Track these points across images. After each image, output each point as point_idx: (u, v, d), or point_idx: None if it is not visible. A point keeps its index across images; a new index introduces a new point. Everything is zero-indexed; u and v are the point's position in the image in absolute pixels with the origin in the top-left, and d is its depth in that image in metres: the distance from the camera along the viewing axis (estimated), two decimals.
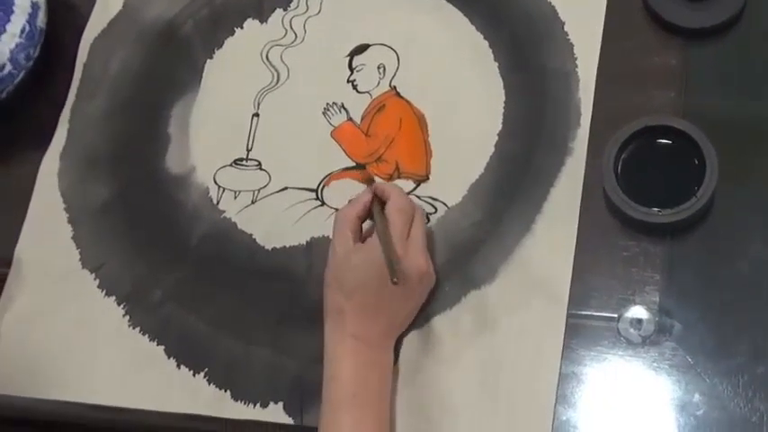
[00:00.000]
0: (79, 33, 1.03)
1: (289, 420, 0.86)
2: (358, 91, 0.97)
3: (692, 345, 0.82)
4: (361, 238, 0.85)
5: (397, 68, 0.97)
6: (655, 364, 0.82)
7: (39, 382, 0.90)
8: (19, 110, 1.00)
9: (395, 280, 0.78)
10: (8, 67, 0.96)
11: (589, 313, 0.84)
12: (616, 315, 0.84)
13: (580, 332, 0.84)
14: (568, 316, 0.84)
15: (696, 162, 0.84)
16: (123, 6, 1.04)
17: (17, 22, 0.96)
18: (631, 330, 0.83)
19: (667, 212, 0.83)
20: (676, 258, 0.84)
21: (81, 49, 1.03)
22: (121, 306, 0.92)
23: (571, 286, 0.85)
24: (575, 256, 0.86)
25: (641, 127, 0.85)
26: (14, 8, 0.96)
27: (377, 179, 0.92)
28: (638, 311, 0.83)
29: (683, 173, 0.84)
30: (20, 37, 0.96)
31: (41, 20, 0.98)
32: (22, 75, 0.97)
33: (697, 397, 0.80)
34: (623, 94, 0.91)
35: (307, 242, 0.91)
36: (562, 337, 0.84)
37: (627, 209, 0.83)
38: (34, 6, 0.98)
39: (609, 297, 0.84)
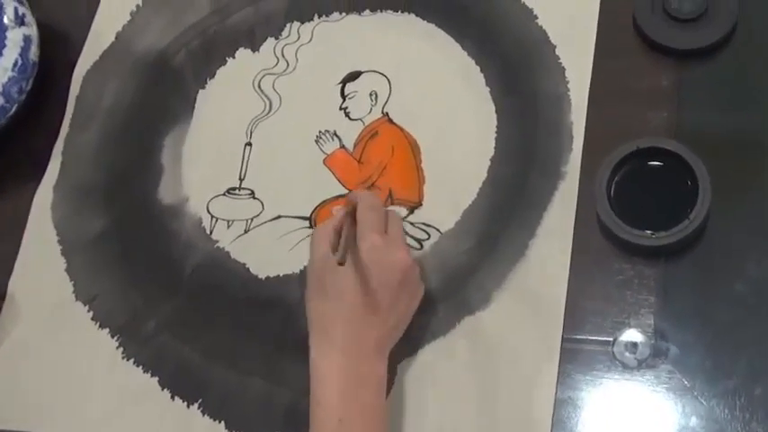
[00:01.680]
0: (72, 66, 1.04)
1: None
2: (350, 118, 0.97)
3: (689, 367, 0.81)
4: None
5: (389, 95, 0.97)
6: (651, 388, 0.81)
7: (32, 416, 0.90)
8: (12, 143, 1.00)
9: (340, 261, 0.75)
10: (1, 101, 0.96)
11: (584, 337, 0.84)
12: (611, 339, 0.83)
13: (575, 357, 0.83)
14: (563, 340, 0.84)
15: (689, 183, 0.83)
16: (116, 38, 1.04)
17: (9, 56, 0.97)
18: (627, 354, 0.82)
19: (661, 235, 0.82)
20: (671, 280, 0.84)
21: (74, 81, 1.03)
22: (115, 338, 0.92)
23: (565, 310, 0.85)
24: (569, 280, 0.85)
25: (633, 150, 0.84)
26: (6, 42, 0.97)
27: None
28: (633, 335, 0.83)
29: (676, 195, 0.84)
30: (12, 71, 0.97)
31: (34, 53, 0.98)
32: (15, 108, 0.98)
33: (694, 420, 0.80)
34: (615, 116, 0.90)
35: (300, 270, 0.91)
36: (557, 361, 0.83)
37: (620, 232, 0.83)
38: (26, 40, 0.98)
39: (603, 321, 0.84)
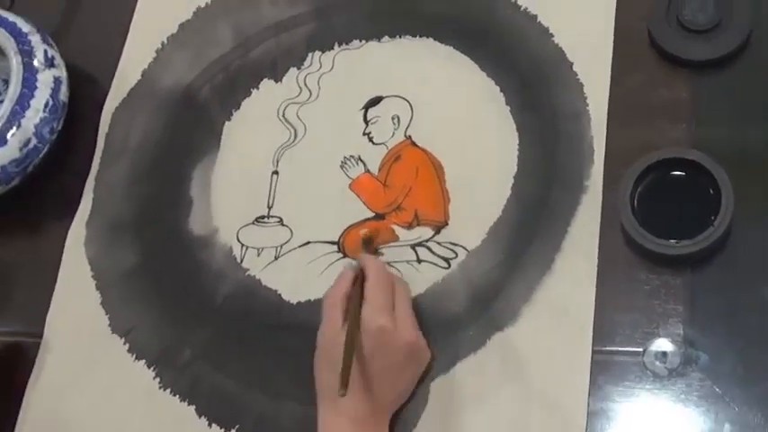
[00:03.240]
0: (100, 105, 1.06)
1: None
2: (374, 143, 0.98)
3: (720, 374, 0.81)
4: None
5: (411, 118, 0.98)
6: (683, 396, 0.82)
7: None
8: (44, 182, 1.02)
9: (342, 392, 0.75)
10: (33, 141, 0.99)
11: (614, 349, 0.84)
12: (641, 349, 0.83)
13: (606, 368, 0.84)
14: (593, 352, 0.84)
15: (711, 192, 0.84)
16: (142, 76, 1.07)
17: (41, 97, 0.99)
18: (657, 363, 0.83)
19: (686, 243, 0.83)
20: (698, 289, 0.84)
21: (102, 119, 1.05)
22: (151, 368, 0.93)
23: (594, 322, 0.85)
24: (596, 293, 0.86)
25: (654, 161, 0.85)
26: (38, 84, 0.99)
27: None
28: (662, 344, 0.83)
29: (699, 203, 0.84)
30: (44, 112, 0.99)
31: (64, 94, 1.01)
32: (47, 148, 1.00)
33: (727, 427, 0.80)
34: (635, 129, 0.91)
35: None
36: (588, 374, 0.84)
37: (645, 242, 0.84)
38: (57, 81, 1.00)
39: (633, 331, 0.84)
